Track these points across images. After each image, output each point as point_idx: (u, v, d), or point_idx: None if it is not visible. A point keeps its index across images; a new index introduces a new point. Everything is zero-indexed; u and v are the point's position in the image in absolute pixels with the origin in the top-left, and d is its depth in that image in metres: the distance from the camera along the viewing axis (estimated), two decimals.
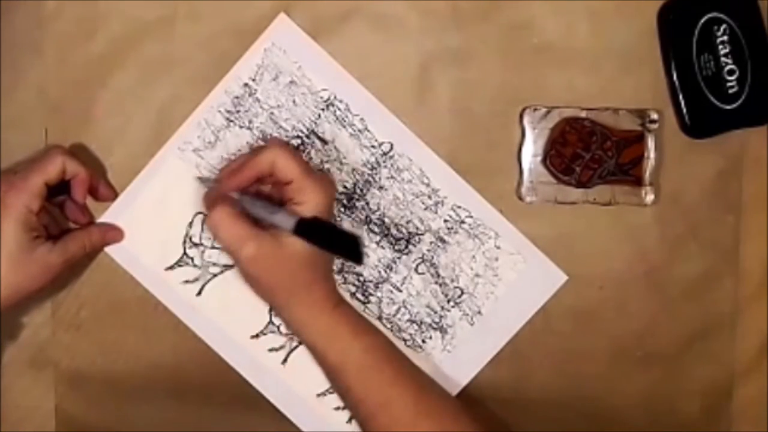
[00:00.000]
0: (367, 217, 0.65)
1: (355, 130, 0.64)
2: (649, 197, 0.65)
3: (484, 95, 0.65)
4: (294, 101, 0.64)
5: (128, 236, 0.64)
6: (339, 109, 0.64)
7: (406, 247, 0.65)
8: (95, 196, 0.63)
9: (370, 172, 0.65)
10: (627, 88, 0.65)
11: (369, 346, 0.59)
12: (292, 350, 0.65)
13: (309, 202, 0.57)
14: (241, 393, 0.65)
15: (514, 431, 0.65)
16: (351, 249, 0.54)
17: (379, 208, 0.65)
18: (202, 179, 0.63)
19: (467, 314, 0.65)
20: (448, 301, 0.66)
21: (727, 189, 0.66)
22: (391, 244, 0.65)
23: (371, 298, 0.66)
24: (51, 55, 0.64)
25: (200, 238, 0.65)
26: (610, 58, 0.64)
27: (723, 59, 0.63)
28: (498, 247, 0.65)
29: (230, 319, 0.65)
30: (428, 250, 0.65)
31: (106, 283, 0.65)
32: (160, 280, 0.65)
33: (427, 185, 0.65)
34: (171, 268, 0.65)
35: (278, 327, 0.65)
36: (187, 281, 0.65)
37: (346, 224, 0.65)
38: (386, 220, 0.65)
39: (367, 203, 0.65)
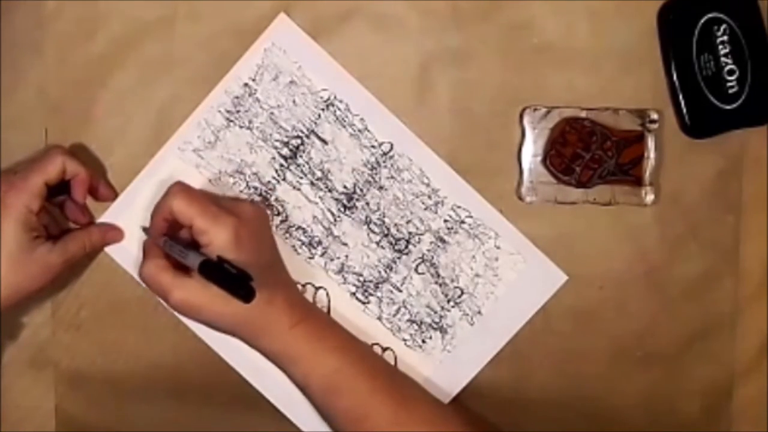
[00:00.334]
0: (367, 217, 0.65)
1: (355, 130, 0.64)
2: (649, 197, 0.65)
3: (484, 95, 0.65)
4: (294, 101, 0.64)
5: (128, 236, 0.64)
6: (339, 109, 0.64)
7: (406, 247, 0.65)
8: (95, 196, 0.63)
9: (370, 172, 0.65)
10: (627, 88, 0.65)
11: (332, 368, 0.59)
12: None
13: (212, 243, 0.57)
14: (241, 393, 0.65)
15: (514, 431, 0.65)
16: (242, 288, 0.54)
17: (379, 208, 0.65)
18: (144, 229, 0.64)
19: (467, 314, 0.65)
20: (448, 301, 0.66)
21: (727, 189, 0.65)
22: (391, 244, 0.65)
23: (371, 298, 0.66)
24: (51, 55, 0.64)
25: None
26: (610, 58, 0.64)
27: (723, 59, 0.63)
28: (498, 247, 0.65)
29: None
30: (428, 250, 0.65)
31: (106, 283, 0.65)
32: None
33: (427, 185, 0.65)
34: None
35: None
36: None
37: (346, 224, 0.65)
38: (386, 220, 0.65)
39: (367, 203, 0.65)
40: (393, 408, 0.59)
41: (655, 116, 0.64)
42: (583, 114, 0.64)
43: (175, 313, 0.63)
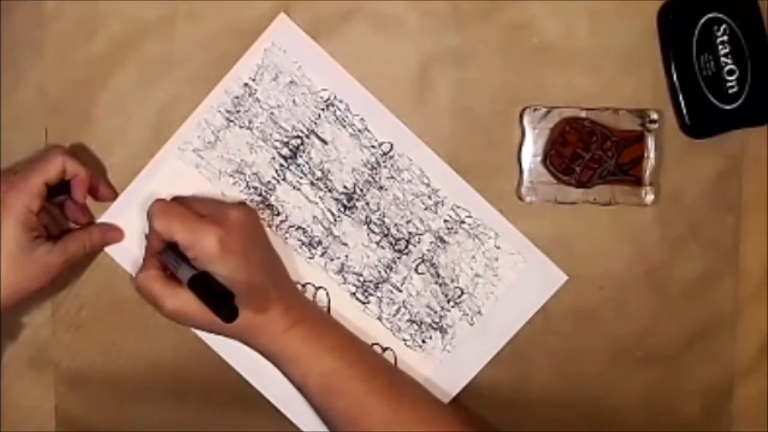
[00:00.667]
0: (367, 217, 0.65)
1: (355, 130, 0.64)
2: (649, 197, 0.65)
3: (484, 95, 0.65)
4: (294, 101, 0.64)
5: (128, 236, 0.64)
6: (339, 109, 0.64)
7: (406, 247, 0.65)
8: (95, 196, 0.63)
9: (370, 172, 0.65)
10: (627, 88, 0.65)
11: (330, 369, 0.59)
12: None
13: (198, 257, 0.57)
14: (241, 393, 0.65)
15: (514, 431, 0.65)
16: (224, 308, 0.54)
17: (379, 208, 0.65)
18: (146, 236, 0.63)
19: (467, 314, 0.65)
20: (448, 301, 0.66)
21: (727, 189, 0.65)
22: (391, 244, 0.65)
23: (371, 298, 0.66)
24: (51, 55, 0.64)
25: None
26: (610, 58, 0.64)
27: (723, 59, 0.63)
28: (498, 247, 0.65)
29: None
30: (428, 250, 0.65)
31: (106, 283, 0.65)
32: None
33: (427, 185, 0.65)
34: None
35: None
36: None
37: (346, 224, 0.65)
38: (386, 220, 0.65)
39: (367, 203, 0.65)
40: (392, 408, 0.59)
41: (655, 116, 0.64)
42: (583, 114, 0.64)
43: None
